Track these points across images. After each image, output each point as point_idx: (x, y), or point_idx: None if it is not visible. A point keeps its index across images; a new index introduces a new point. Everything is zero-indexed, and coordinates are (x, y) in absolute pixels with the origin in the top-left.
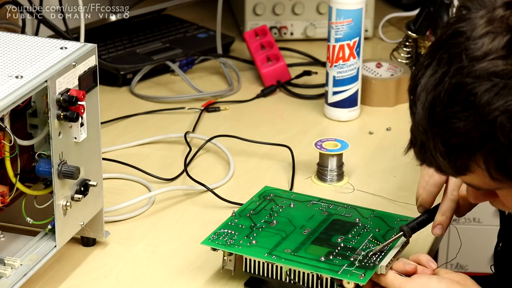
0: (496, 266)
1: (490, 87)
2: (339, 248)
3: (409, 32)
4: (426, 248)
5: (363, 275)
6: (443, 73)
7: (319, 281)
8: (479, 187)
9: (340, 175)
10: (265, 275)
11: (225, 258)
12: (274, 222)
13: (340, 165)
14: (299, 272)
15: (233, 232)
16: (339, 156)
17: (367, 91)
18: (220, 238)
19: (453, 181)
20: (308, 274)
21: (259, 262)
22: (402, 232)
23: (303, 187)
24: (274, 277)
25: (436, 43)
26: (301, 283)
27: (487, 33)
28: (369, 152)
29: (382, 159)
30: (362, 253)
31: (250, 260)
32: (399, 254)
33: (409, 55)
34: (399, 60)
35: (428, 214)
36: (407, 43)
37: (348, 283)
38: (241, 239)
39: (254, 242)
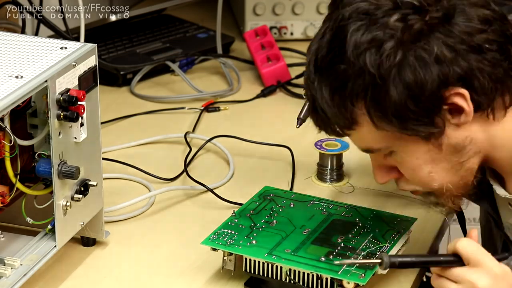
0: None
1: (358, 26)
2: (339, 248)
3: None
4: (426, 248)
5: (363, 275)
6: (325, 28)
7: (319, 281)
8: (373, 148)
9: (340, 175)
10: (265, 275)
11: (225, 258)
12: (274, 222)
13: (340, 165)
14: (299, 272)
15: (233, 232)
16: (339, 156)
17: None
18: (220, 238)
19: None
20: (308, 274)
21: (259, 262)
22: (379, 260)
23: (303, 187)
24: (274, 277)
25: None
26: (301, 283)
27: None
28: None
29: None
30: (362, 253)
31: (250, 260)
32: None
33: None
34: None
35: (415, 258)
36: None
37: (348, 283)
38: (241, 239)
39: (254, 242)
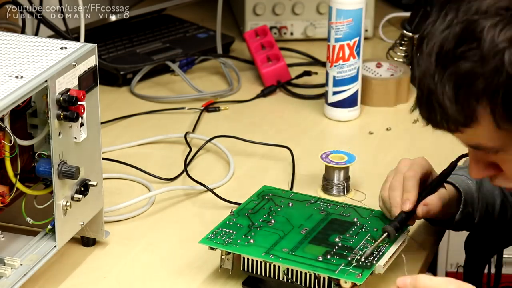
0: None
1: (497, 21)
2: (336, 247)
3: (405, 32)
4: (426, 248)
5: (360, 274)
6: (451, 19)
7: (316, 280)
8: (484, 146)
9: (347, 189)
10: (263, 274)
11: (223, 257)
12: (272, 221)
13: (346, 178)
14: (296, 271)
15: (231, 231)
16: (346, 169)
17: (367, 91)
18: (218, 237)
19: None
20: (305, 274)
21: (257, 261)
22: (386, 233)
23: (303, 187)
24: (272, 276)
25: (443, 1)
26: (298, 283)
27: None
28: (369, 152)
29: (382, 159)
30: (360, 252)
31: (248, 259)
32: (397, 253)
33: (405, 54)
34: (395, 59)
35: (406, 212)
36: (403, 42)
37: (345, 282)
38: (239, 238)
39: (252, 241)
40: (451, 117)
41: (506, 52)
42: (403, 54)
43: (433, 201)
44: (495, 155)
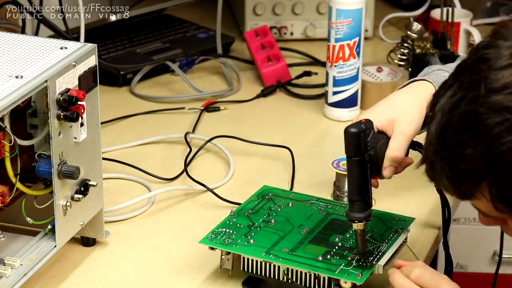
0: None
1: (502, 121)
2: (336, 247)
3: (409, 33)
4: (426, 247)
5: (360, 274)
6: (461, 98)
7: (316, 280)
8: (484, 213)
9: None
10: (263, 274)
11: (223, 257)
12: (272, 221)
13: None
14: (296, 271)
15: (231, 231)
16: None
17: (362, 94)
18: (218, 237)
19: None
20: (305, 274)
21: (257, 261)
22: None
23: (303, 187)
24: (272, 276)
25: (461, 65)
26: (298, 283)
27: (509, 65)
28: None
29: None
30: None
31: (248, 259)
32: (397, 254)
33: (405, 57)
34: (396, 61)
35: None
36: (405, 44)
37: (345, 282)
38: (239, 238)
39: (252, 241)
40: (449, 191)
41: (505, 154)
42: (405, 57)
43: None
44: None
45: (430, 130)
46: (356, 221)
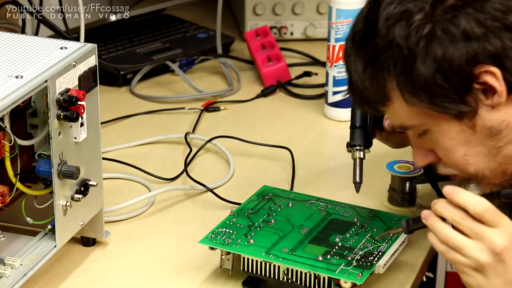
0: None
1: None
2: (336, 247)
3: None
4: (426, 248)
5: (360, 274)
6: (365, 5)
7: (316, 280)
8: (406, 126)
9: (413, 199)
10: (263, 274)
11: (223, 257)
12: (272, 221)
13: (412, 188)
14: (296, 271)
15: (231, 231)
16: (411, 179)
17: None
18: (218, 237)
19: None
20: (305, 274)
21: (256, 261)
22: (401, 229)
23: (303, 187)
24: (272, 276)
25: None
26: (298, 283)
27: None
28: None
29: (382, 159)
30: (360, 252)
31: (248, 259)
32: (397, 254)
33: None
34: None
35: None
36: None
37: (345, 282)
38: (239, 238)
39: (252, 241)
40: (366, 94)
41: (397, 26)
42: None
43: None
44: (426, 137)
45: (345, 45)
46: (357, 147)
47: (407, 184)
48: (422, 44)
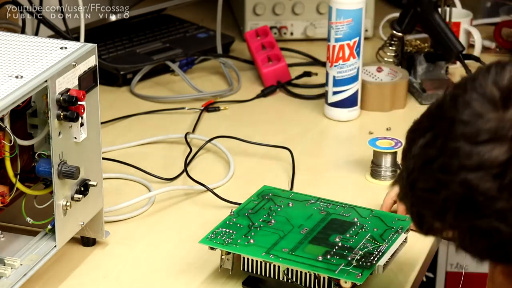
0: None
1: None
2: (336, 247)
3: (395, 32)
4: (426, 248)
5: (360, 274)
6: (434, 157)
7: (316, 280)
8: None
9: (395, 173)
10: (263, 274)
11: (223, 257)
12: (272, 221)
13: (394, 163)
14: (296, 271)
15: (231, 231)
16: (394, 154)
17: (362, 94)
18: (218, 237)
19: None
20: (305, 273)
21: (257, 261)
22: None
23: (303, 187)
24: (272, 276)
25: (436, 111)
26: (298, 282)
27: (487, 141)
28: (369, 152)
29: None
30: (360, 252)
31: (248, 259)
32: (397, 254)
33: (395, 54)
34: (385, 59)
35: None
36: (393, 42)
37: (345, 282)
38: (239, 238)
39: (252, 241)
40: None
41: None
42: (393, 54)
43: None
44: None
45: (402, 173)
46: None
47: (389, 159)
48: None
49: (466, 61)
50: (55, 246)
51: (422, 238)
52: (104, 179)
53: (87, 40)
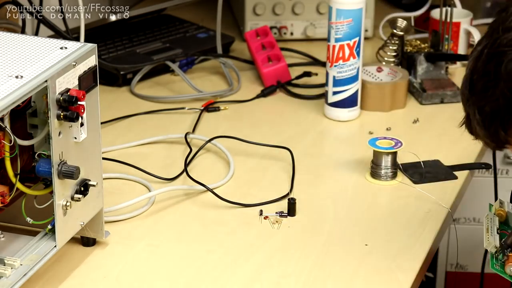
0: None
1: None
2: None
3: (394, 31)
4: (426, 248)
5: None
6: (483, 47)
7: None
8: None
9: (395, 173)
10: None
11: None
12: None
13: (394, 163)
14: None
15: None
16: (394, 154)
17: (362, 94)
18: None
19: None
20: None
21: None
22: None
23: (303, 187)
24: None
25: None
26: None
27: None
28: (369, 152)
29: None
30: None
31: None
32: None
33: (395, 54)
34: (386, 59)
35: None
36: (393, 42)
37: None
38: None
39: None
40: (484, 139)
41: None
42: (393, 54)
43: None
44: None
45: (462, 82)
46: None
47: (389, 159)
48: None
49: (465, 62)
50: (55, 246)
51: (422, 238)
52: (104, 179)
53: (87, 40)
